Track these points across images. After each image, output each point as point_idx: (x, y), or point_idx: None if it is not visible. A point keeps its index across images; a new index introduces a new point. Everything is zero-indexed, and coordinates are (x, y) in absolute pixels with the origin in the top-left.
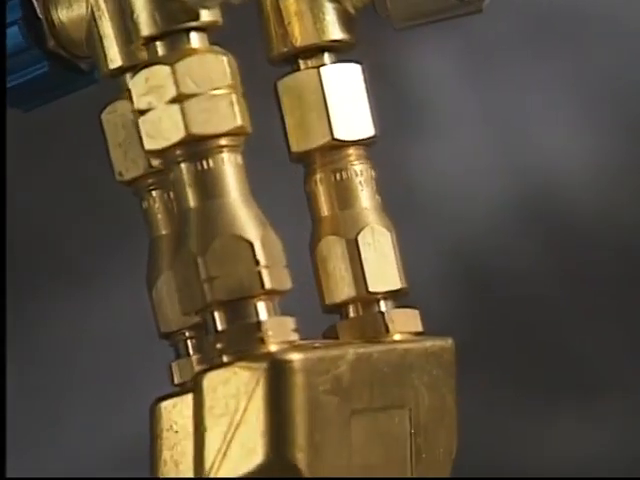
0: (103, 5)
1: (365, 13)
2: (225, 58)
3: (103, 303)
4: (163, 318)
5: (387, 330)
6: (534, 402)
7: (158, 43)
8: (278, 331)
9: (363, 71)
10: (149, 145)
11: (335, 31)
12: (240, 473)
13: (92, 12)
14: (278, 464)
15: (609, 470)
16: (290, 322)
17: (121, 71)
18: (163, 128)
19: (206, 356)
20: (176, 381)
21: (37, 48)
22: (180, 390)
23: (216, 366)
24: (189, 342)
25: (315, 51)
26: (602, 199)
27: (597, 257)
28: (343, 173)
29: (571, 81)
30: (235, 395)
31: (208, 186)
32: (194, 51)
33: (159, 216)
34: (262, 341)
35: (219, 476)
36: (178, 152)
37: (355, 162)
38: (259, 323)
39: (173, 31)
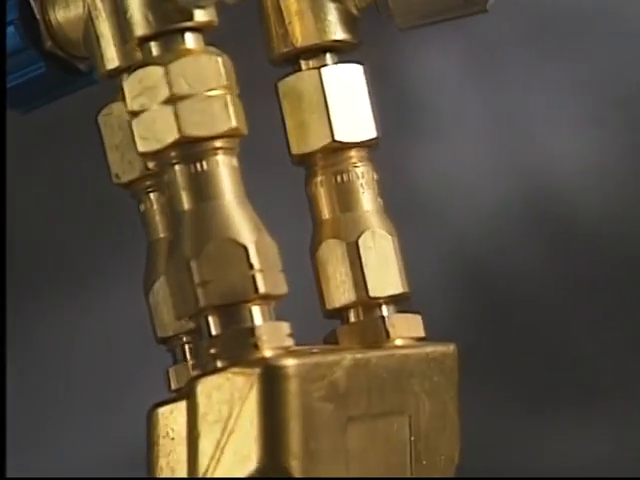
0: (100, 5)
1: (366, 13)
2: (220, 59)
3: (102, 304)
4: (160, 323)
5: (388, 335)
6: (535, 405)
7: (152, 43)
8: (272, 336)
9: (365, 72)
10: (142, 147)
11: (337, 31)
12: None
13: (89, 12)
14: (272, 471)
15: (610, 473)
16: (285, 327)
17: (118, 71)
18: (156, 130)
19: (200, 361)
20: (173, 387)
21: (34, 48)
22: (177, 396)
23: (210, 371)
24: (186, 347)
25: (316, 51)
26: (606, 201)
27: (601, 259)
28: (344, 175)
29: (575, 82)
30: (229, 401)
31: (202, 188)
32: (188, 52)
33: (157, 219)
34: (256, 346)
35: None
36: (172, 154)
37: (357, 164)
38: (253, 328)
39: (167, 31)
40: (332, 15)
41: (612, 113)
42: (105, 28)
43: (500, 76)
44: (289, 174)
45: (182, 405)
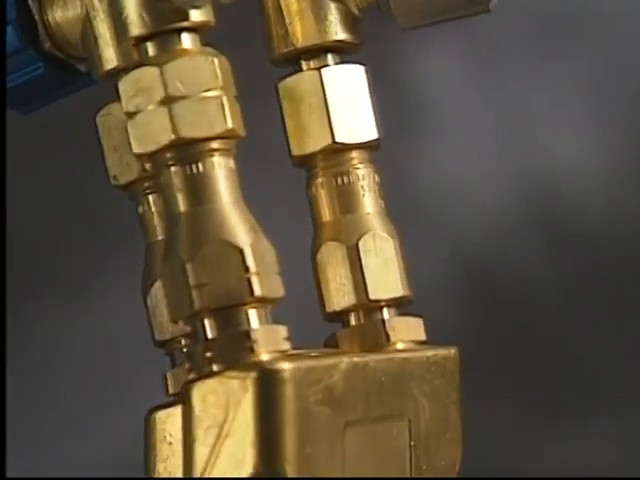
0: (98, 5)
1: (367, 13)
2: (216, 59)
3: (102, 304)
4: (158, 326)
5: (388, 339)
6: (537, 406)
7: (148, 44)
8: (268, 340)
9: (366, 72)
10: (137, 149)
11: (338, 31)
12: None
13: (87, 12)
14: (267, 476)
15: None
16: (282, 330)
17: (117, 72)
18: (151, 131)
19: (196, 365)
20: (171, 391)
21: (32, 49)
22: (174, 400)
23: (205, 375)
24: (184, 351)
25: (317, 52)
26: (608, 201)
27: (603, 260)
28: (345, 177)
29: (577, 81)
30: (224, 405)
31: (198, 190)
32: (184, 52)
33: (155, 221)
34: (252, 350)
35: None
36: (168, 155)
37: (358, 166)
38: (249, 331)
39: (163, 31)
40: (333, 15)
41: (615, 113)
42: (103, 28)
43: (502, 76)
44: (290, 176)
45: (179, 409)
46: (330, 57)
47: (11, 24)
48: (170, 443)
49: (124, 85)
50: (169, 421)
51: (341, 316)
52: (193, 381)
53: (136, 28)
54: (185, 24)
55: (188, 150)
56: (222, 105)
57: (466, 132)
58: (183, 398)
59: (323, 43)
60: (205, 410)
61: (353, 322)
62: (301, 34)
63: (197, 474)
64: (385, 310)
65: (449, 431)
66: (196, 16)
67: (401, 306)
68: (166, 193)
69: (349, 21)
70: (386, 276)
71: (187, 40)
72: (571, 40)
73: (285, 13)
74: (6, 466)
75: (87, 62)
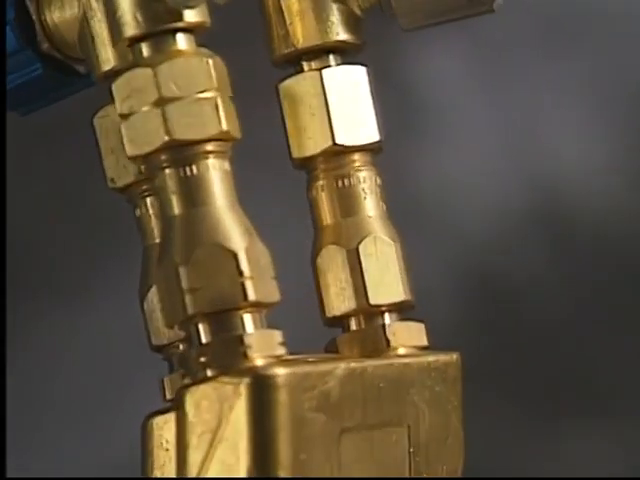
0: (95, 5)
1: (369, 13)
2: (211, 60)
3: (102, 304)
4: (155, 331)
5: (388, 344)
6: (540, 415)
7: (143, 44)
8: (263, 345)
9: (368, 74)
10: (131, 151)
11: (339, 32)
12: None
13: (84, 12)
14: None
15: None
16: (276, 335)
17: (114, 73)
18: (145, 133)
19: (190, 370)
20: (168, 396)
21: (30, 49)
22: (171, 406)
23: (199, 380)
24: (179, 356)
25: (318, 53)
26: (613, 203)
27: (608, 262)
28: (346, 180)
29: (582, 83)
30: (217, 411)
31: (193, 193)
32: (178, 53)
33: (152, 224)
34: (245, 355)
35: None
36: (162, 157)
37: (359, 168)
38: (243, 336)
39: (157, 32)
40: (334, 15)
41: (619, 113)
42: (100, 29)
43: (505, 77)
44: (291, 177)
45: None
46: (332, 58)
47: (9, 24)
48: (167, 449)
49: (118, 86)
50: (166, 427)
51: (341, 321)
52: (187, 386)
53: (130, 29)
54: (180, 25)
55: (182, 152)
56: (216, 107)
57: (469, 133)
58: (177, 403)
59: (324, 44)
60: (199, 416)
61: (353, 327)
62: (302, 35)
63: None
64: (386, 315)
65: (450, 438)
66: (191, 17)
67: (402, 311)
68: (160, 195)
69: (351, 21)
70: (387, 280)
71: (182, 41)
72: (576, 41)
73: (286, 13)
74: (6, 466)
75: (86, 63)
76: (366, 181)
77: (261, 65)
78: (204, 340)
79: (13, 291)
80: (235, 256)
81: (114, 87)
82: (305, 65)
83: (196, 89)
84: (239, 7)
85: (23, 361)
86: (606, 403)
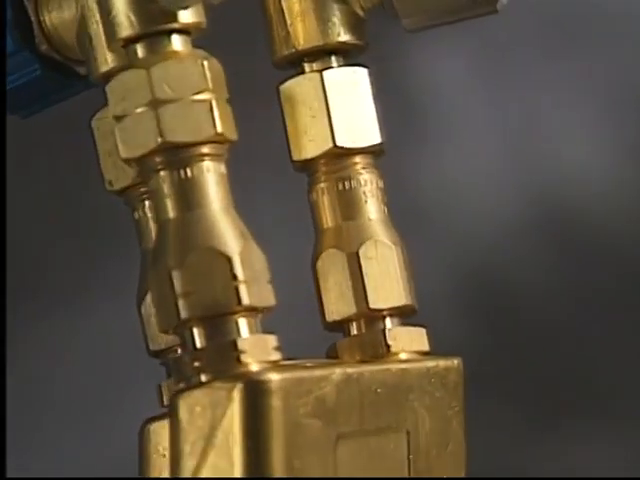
0: (93, 5)
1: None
2: (206, 62)
3: (102, 304)
4: (152, 335)
5: (388, 349)
6: (540, 416)
7: (138, 45)
8: (257, 350)
9: (370, 75)
10: (125, 153)
11: (340, 33)
12: None
13: (82, 13)
14: None
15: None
16: (271, 340)
17: (113, 74)
18: (138, 135)
19: (184, 375)
20: (165, 402)
21: (28, 51)
22: (168, 411)
23: (193, 386)
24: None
25: (320, 54)
26: (616, 206)
27: (612, 268)
28: (347, 182)
29: (588, 84)
30: (210, 417)
31: (187, 196)
32: (173, 54)
33: (150, 227)
34: (239, 360)
35: None
36: (156, 160)
37: (360, 171)
38: (236, 341)
39: (152, 33)
40: (336, 16)
41: (624, 115)
42: (98, 29)
43: (508, 78)
44: (291, 179)
45: None
46: (334, 59)
47: (7, 25)
48: (164, 455)
49: (111, 88)
50: (163, 433)
51: (342, 325)
52: (181, 392)
53: (124, 29)
54: (175, 25)
55: (177, 154)
56: (211, 109)
57: (472, 135)
58: (170, 409)
59: (325, 45)
60: (192, 422)
61: (354, 332)
62: (303, 36)
63: None
64: (387, 320)
65: (451, 444)
66: (186, 17)
67: (404, 315)
68: (155, 198)
69: (353, 22)
70: (387, 284)
71: (177, 42)
72: (578, 41)
73: (286, 14)
74: (6, 466)
75: (85, 64)
76: (367, 184)
77: (262, 66)
78: (198, 345)
79: (13, 291)
80: (229, 260)
81: (108, 89)
82: (306, 66)
83: (190, 91)
84: (240, 7)
85: (23, 361)
86: (606, 404)
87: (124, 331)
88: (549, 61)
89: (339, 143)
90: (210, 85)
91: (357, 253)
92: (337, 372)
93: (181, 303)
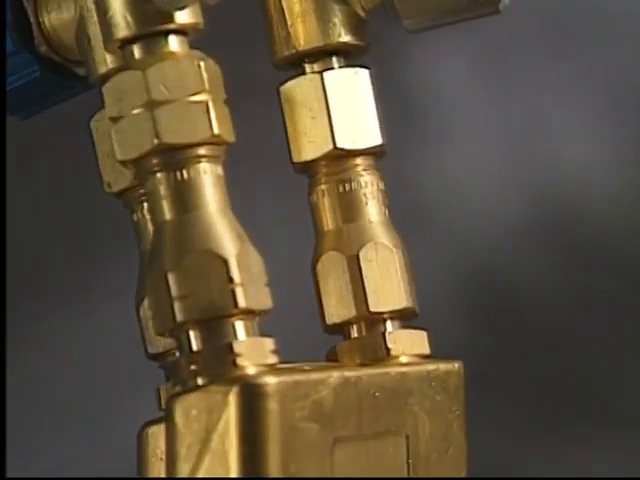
0: (91, 6)
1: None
2: (202, 63)
3: (103, 304)
4: (150, 338)
5: (388, 352)
6: (541, 417)
7: (134, 46)
8: (253, 353)
9: (371, 76)
10: (121, 155)
11: (341, 33)
12: None
13: (81, 14)
14: None
15: None
16: (268, 343)
17: (111, 75)
18: (134, 137)
19: (181, 378)
20: (163, 405)
21: (27, 52)
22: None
23: (189, 389)
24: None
25: (321, 55)
26: (617, 207)
27: (613, 269)
28: (347, 184)
29: (590, 84)
30: (206, 421)
31: (184, 198)
32: (169, 55)
33: (149, 229)
34: (235, 363)
35: None
36: (153, 162)
37: (361, 173)
38: (232, 344)
39: (148, 34)
40: (337, 17)
41: (624, 115)
42: (97, 30)
43: (510, 79)
44: (292, 180)
45: None
46: (335, 60)
47: (7, 26)
48: (162, 459)
49: (108, 89)
50: (162, 436)
51: (342, 328)
52: (177, 395)
53: (120, 30)
54: (171, 26)
55: (173, 156)
56: (208, 110)
57: (474, 135)
58: (166, 412)
59: (326, 46)
60: (188, 425)
61: (354, 335)
62: (303, 36)
63: None
64: (388, 323)
65: (452, 448)
66: (183, 18)
67: (404, 318)
68: (152, 200)
69: (354, 23)
70: (388, 287)
71: (174, 43)
72: (580, 41)
73: (287, 15)
74: (6, 466)
75: (84, 65)
76: (368, 186)
77: (262, 66)
78: (195, 348)
79: (13, 291)
80: (225, 262)
81: (104, 90)
82: (307, 67)
83: (187, 92)
84: (240, 7)
85: (23, 361)
86: (606, 404)
87: (124, 331)
88: (550, 61)
89: (339, 145)
90: (207, 86)
91: (357, 255)
92: (335, 375)
93: (177, 306)
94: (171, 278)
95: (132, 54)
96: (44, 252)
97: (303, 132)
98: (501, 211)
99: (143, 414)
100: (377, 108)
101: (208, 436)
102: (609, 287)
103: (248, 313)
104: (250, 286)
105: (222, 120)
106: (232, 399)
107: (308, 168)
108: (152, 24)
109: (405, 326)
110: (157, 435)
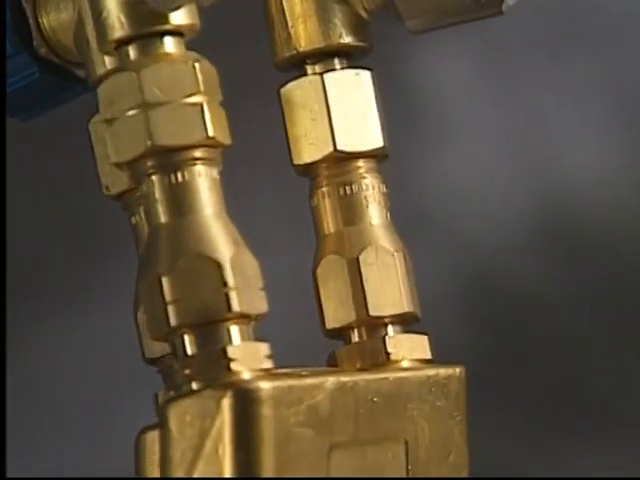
0: (88, 6)
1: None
2: (197, 64)
3: (103, 304)
4: (148, 343)
5: (388, 357)
6: (541, 418)
7: (129, 47)
8: (248, 358)
9: (373, 78)
10: (115, 157)
11: (343, 34)
12: None
13: (79, 15)
14: None
15: None
16: (263, 348)
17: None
18: (128, 139)
19: (175, 383)
20: None
21: (26, 53)
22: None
23: (183, 394)
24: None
25: (322, 56)
26: (619, 209)
27: (618, 273)
28: (348, 187)
29: (596, 86)
30: (199, 426)
31: (179, 201)
32: (164, 57)
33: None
34: (229, 368)
35: None
36: (148, 164)
37: (363, 175)
38: (226, 349)
39: (143, 35)
40: (338, 18)
41: (629, 116)
42: (94, 31)
43: (513, 80)
44: (292, 181)
45: None
46: (337, 61)
47: (6, 28)
48: (159, 466)
49: (102, 91)
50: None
51: (342, 333)
52: (171, 400)
53: (115, 31)
54: (167, 27)
55: (168, 158)
56: (202, 112)
57: (476, 137)
58: (160, 418)
59: (327, 47)
60: (181, 431)
61: (354, 339)
62: (304, 38)
63: None
64: (389, 327)
65: (453, 455)
66: (178, 19)
67: (405, 323)
68: (146, 203)
69: (355, 24)
70: (388, 291)
71: (169, 44)
72: (583, 42)
73: (288, 16)
74: (6, 466)
75: (83, 67)
76: (369, 189)
77: (262, 66)
78: (189, 352)
79: (13, 291)
80: (220, 266)
81: (99, 92)
82: (308, 68)
83: (181, 94)
84: (240, 7)
85: (23, 361)
86: (606, 404)
87: (124, 331)
88: (552, 63)
89: (340, 147)
90: (202, 88)
91: (357, 259)
92: (330, 380)
93: (171, 310)
94: (165, 282)
95: (127, 55)
96: (44, 252)
97: (303, 134)
98: (503, 214)
99: (143, 414)
100: (380, 110)
101: (201, 441)
102: (613, 291)
103: (243, 317)
104: (245, 290)
105: (217, 122)
106: (226, 404)
107: (309, 170)
108: (147, 25)
109: (406, 330)
110: (154, 440)
